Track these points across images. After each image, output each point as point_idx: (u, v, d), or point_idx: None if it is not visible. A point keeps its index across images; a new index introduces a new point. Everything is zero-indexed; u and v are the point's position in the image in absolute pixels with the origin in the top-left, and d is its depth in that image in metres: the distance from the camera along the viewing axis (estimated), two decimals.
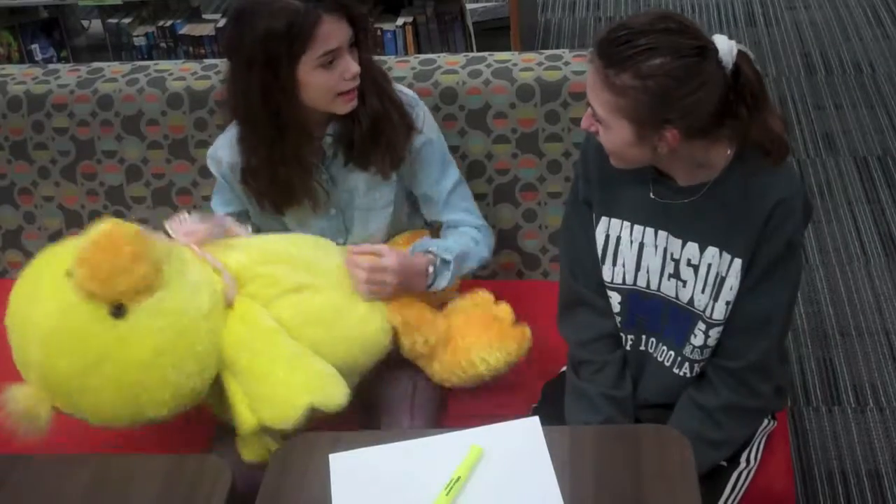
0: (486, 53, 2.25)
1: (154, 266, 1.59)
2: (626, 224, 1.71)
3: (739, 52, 1.51)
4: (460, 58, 2.23)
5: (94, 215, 2.37)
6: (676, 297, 1.70)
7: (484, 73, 2.17)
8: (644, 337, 1.77)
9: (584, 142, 1.78)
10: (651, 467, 1.47)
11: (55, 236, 2.41)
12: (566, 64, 2.17)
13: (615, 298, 1.76)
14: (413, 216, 2.07)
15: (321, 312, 1.79)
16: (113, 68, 2.36)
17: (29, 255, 2.43)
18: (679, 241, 1.67)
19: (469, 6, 3.90)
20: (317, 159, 1.90)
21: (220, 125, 2.24)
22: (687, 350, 1.71)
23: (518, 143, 2.19)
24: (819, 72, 4.13)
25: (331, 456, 1.53)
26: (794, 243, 1.61)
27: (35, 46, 4.25)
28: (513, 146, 2.20)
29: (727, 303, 1.64)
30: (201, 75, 2.27)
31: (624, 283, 1.74)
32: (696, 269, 1.66)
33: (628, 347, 1.79)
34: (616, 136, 1.54)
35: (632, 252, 1.71)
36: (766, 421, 1.80)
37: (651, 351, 1.78)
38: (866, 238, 3.18)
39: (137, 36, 4.11)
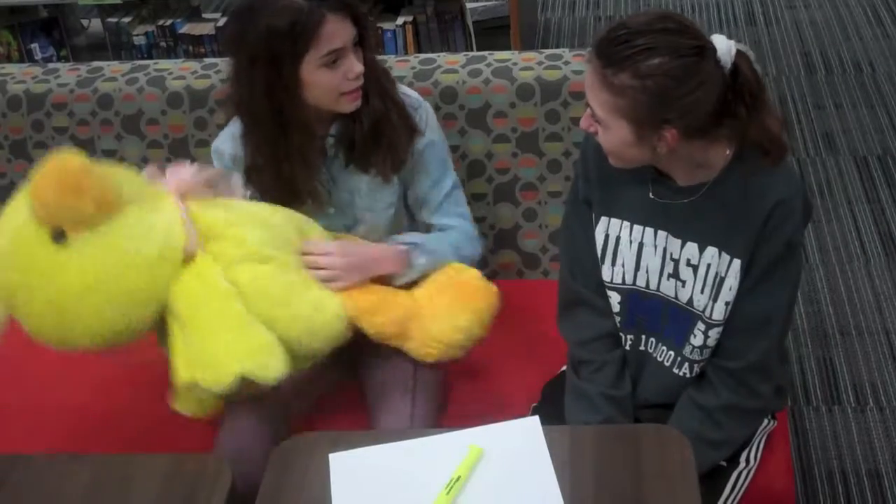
0: (486, 53, 2.25)
1: (98, 201, 1.59)
2: (626, 224, 1.71)
3: (738, 51, 1.51)
4: (460, 57, 2.23)
5: None
6: (676, 297, 1.70)
7: (484, 72, 2.17)
8: (644, 337, 1.77)
9: (583, 141, 1.78)
10: (651, 467, 1.47)
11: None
12: (566, 63, 2.17)
13: (615, 298, 1.76)
14: (407, 218, 2.05)
15: (277, 288, 1.75)
16: (113, 67, 2.36)
17: None
18: (678, 241, 1.67)
19: (469, 5, 3.90)
20: (319, 158, 1.90)
21: (220, 124, 2.23)
22: (686, 350, 1.71)
23: (518, 143, 2.19)
24: (819, 71, 4.13)
25: (331, 455, 1.53)
26: (793, 243, 1.61)
27: (35, 45, 4.25)
28: (513, 145, 2.20)
29: (726, 303, 1.64)
30: (201, 74, 2.27)
31: (623, 282, 1.74)
32: (695, 269, 1.66)
33: (628, 347, 1.79)
34: (615, 136, 1.54)
35: (631, 252, 1.71)
36: (766, 421, 1.80)
37: (651, 351, 1.78)
38: (866, 237, 3.18)
39: (137, 35, 4.11)
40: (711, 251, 1.64)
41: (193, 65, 2.32)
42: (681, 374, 1.74)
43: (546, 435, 1.53)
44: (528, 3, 4.29)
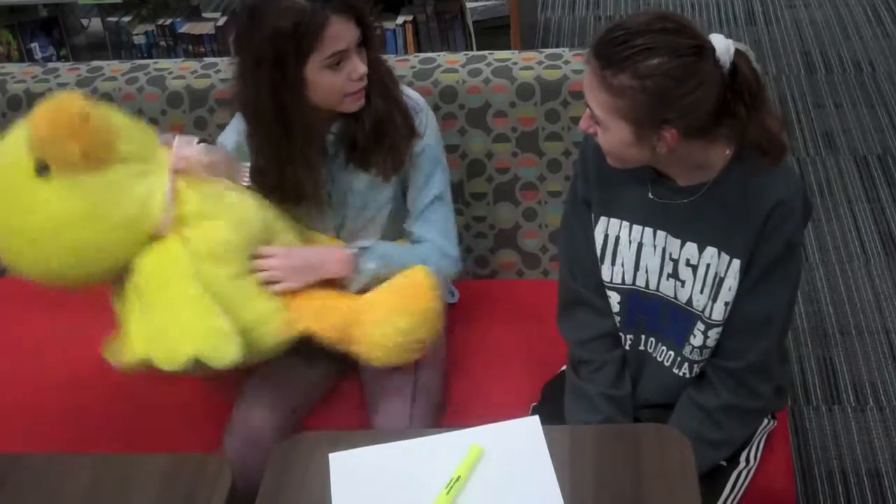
0: (486, 52, 2.25)
1: (85, 150, 1.62)
2: (625, 224, 1.71)
3: (737, 50, 1.51)
4: (460, 56, 2.23)
5: None
6: (675, 297, 1.70)
7: (484, 71, 2.17)
8: (644, 337, 1.77)
9: (582, 141, 1.78)
10: (651, 467, 1.47)
11: None
12: (566, 63, 2.16)
13: (614, 298, 1.76)
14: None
15: (225, 294, 1.76)
16: (112, 67, 2.36)
17: None
18: (678, 241, 1.67)
19: (469, 5, 3.89)
20: (321, 158, 1.90)
21: (221, 124, 2.24)
22: (686, 350, 1.71)
23: (518, 142, 2.19)
24: (819, 70, 4.13)
25: (331, 455, 1.53)
26: (793, 243, 1.61)
27: (35, 45, 4.25)
28: (513, 145, 2.19)
29: (726, 303, 1.64)
30: (201, 74, 2.27)
31: (623, 282, 1.74)
32: (694, 269, 1.66)
33: (627, 347, 1.79)
34: (614, 136, 1.54)
35: (631, 252, 1.71)
36: (765, 420, 1.80)
37: (650, 351, 1.78)
38: (866, 237, 3.17)
39: (137, 34, 4.10)
40: (711, 251, 1.64)
41: (193, 64, 2.32)
42: (680, 374, 1.74)
43: (546, 435, 1.53)
44: (528, 3, 4.29)
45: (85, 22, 4.53)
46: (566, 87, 2.13)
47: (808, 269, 3.05)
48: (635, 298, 1.74)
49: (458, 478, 1.46)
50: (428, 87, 2.16)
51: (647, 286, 1.72)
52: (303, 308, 1.82)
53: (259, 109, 1.83)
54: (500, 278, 2.33)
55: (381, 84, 1.87)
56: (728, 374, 1.68)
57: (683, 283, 1.68)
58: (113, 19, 4.15)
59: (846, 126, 3.74)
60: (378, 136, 1.87)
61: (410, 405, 1.90)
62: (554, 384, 1.92)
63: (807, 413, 2.58)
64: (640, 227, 1.70)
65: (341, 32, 1.76)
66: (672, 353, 1.74)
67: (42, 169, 1.63)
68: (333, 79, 1.79)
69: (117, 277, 1.75)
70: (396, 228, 2.02)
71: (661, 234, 1.68)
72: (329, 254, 1.90)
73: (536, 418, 1.57)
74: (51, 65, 2.42)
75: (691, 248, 1.66)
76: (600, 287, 1.77)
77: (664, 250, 1.69)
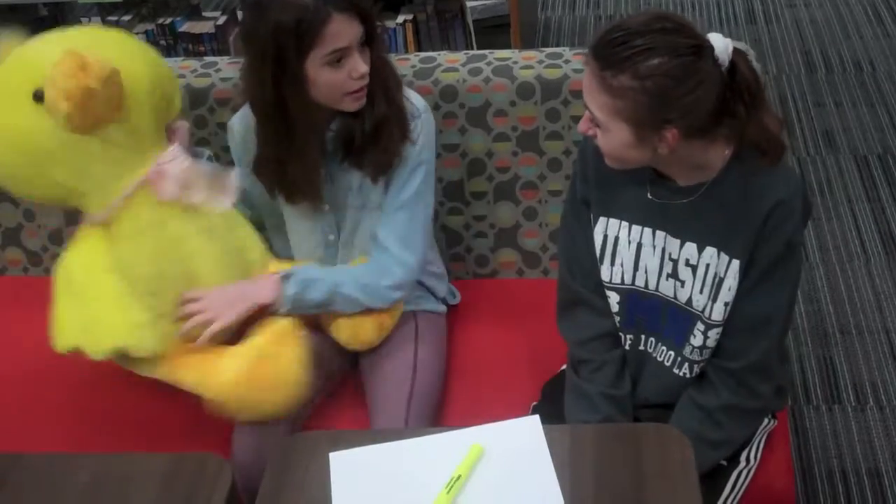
0: (486, 51, 2.25)
1: (73, 116, 1.68)
2: (625, 224, 1.71)
3: (735, 49, 1.51)
4: (461, 55, 2.23)
5: None
6: (675, 297, 1.70)
7: (484, 70, 2.17)
8: (643, 337, 1.77)
9: (581, 142, 1.78)
10: (651, 466, 1.47)
11: (55, 234, 2.41)
12: (566, 62, 2.16)
13: (614, 298, 1.76)
14: None
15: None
16: None
17: (28, 252, 2.44)
18: (677, 242, 1.67)
19: (469, 4, 3.89)
20: (320, 155, 1.90)
21: (221, 123, 2.24)
22: (686, 350, 1.71)
23: (518, 141, 2.19)
24: (819, 70, 4.13)
25: (331, 455, 1.53)
26: (793, 243, 1.61)
27: None
28: (513, 144, 2.19)
29: (725, 304, 1.63)
30: (201, 73, 2.27)
31: (622, 282, 1.74)
32: (694, 269, 1.66)
33: (627, 347, 1.79)
34: (615, 138, 1.54)
35: (630, 252, 1.71)
36: (766, 420, 1.80)
37: (650, 351, 1.77)
38: (866, 236, 3.17)
39: (137, 33, 4.10)
40: (710, 251, 1.64)
41: (193, 63, 2.31)
42: (681, 374, 1.73)
43: (546, 434, 1.53)
44: (529, 2, 4.29)
45: (85, 21, 4.52)
46: (566, 87, 2.13)
47: (809, 268, 3.05)
48: (635, 298, 1.74)
49: (459, 477, 1.46)
50: (428, 87, 2.15)
51: (646, 286, 1.72)
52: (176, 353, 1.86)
53: (262, 104, 1.84)
54: (501, 277, 2.33)
55: (383, 85, 1.86)
56: (728, 375, 1.68)
57: (683, 283, 1.68)
58: (113, 18, 4.15)
59: (846, 125, 3.74)
60: (375, 137, 1.86)
61: (409, 404, 1.90)
62: (554, 383, 1.92)
63: (807, 412, 2.58)
64: (640, 228, 1.70)
65: (343, 30, 1.75)
66: (672, 353, 1.74)
67: (38, 97, 1.70)
68: (334, 76, 1.78)
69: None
70: None
71: (660, 234, 1.68)
72: (258, 280, 1.90)
73: (537, 418, 1.57)
74: None
75: (691, 248, 1.65)
76: (599, 287, 1.77)
77: (663, 250, 1.69)
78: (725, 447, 1.72)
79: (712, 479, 1.70)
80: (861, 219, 3.25)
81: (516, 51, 2.25)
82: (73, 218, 2.41)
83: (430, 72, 2.18)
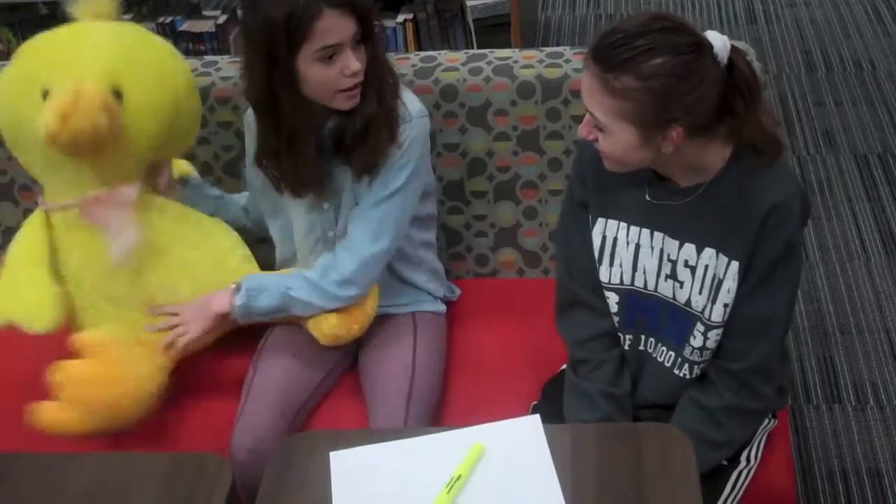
0: (486, 51, 2.25)
1: (64, 144, 1.83)
2: (623, 225, 1.71)
3: (733, 46, 1.51)
4: (461, 55, 2.23)
5: None
6: (674, 298, 1.70)
7: (485, 70, 2.17)
8: (643, 337, 1.77)
9: (579, 144, 1.77)
10: (652, 466, 1.47)
11: None
12: (567, 61, 2.16)
13: (613, 299, 1.76)
14: (409, 227, 2.00)
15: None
16: None
17: None
18: (676, 243, 1.67)
19: (469, 3, 3.88)
20: (316, 151, 1.89)
21: (221, 122, 2.24)
22: (686, 351, 1.71)
23: (519, 141, 2.19)
24: (819, 69, 4.13)
25: (331, 454, 1.53)
26: (792, 244, 1.61)
27: None
28: (513, 143, 2.19)
29: (725, 305, 1.63)
30: (201, 72, 2.27)
31: (621, 283, 1.74)
32: (693, 270, 1.66)
33: (627, 347, 1.79)
34: (618, 140, 1.53)
35: (628, 253, 1.71)
36: (766, 419, 1.80)
37: (650, 351, 1.77)
38: (867, 235, 3.17)
39: None
40: (709, 252, 1.63)
41: (193, 62, 2.31)
42: (681, 374, 1.73)
43: (547, 434, 1.53)
44: (529, 1, 4.29)
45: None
46: (567, 86, 2.13)
47: (809, 267, 3.05)
48: (634, 299, 1.74)
49: (459, 477, 1.46)
50: (429, 86, 2.15)
51: (645, 287, 1.72)
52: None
53: (255, 98, 1.85)
54: (501, 277, 2.33)
55: (378, 85, 1.85)
56: (730, 376, 1.68)
57: (682, 283, 1.68)
58: None
59: (846, 124, 3.74)
60: (363, 136, 1.85)
61: (407, 404, 1.90)
62: (554, 383, 1.92)
63: (807, 412, 2.58)
64: (638, 229, 1.70)
65: (334, 26, 1.75)
66: (672, 353, 1.74)
67: (45, 95, 1.87)
68: (325, 73, 1.78)
69: None
70: None
71: (658, 235, 1.68)
72: (217, 292, 1.95)
73: (537, 417, 1.57)
74: None
75: (689, 249, 1.65)
76: (597, 288, 1.77)
77: (662, 251, 1.68)
78: (726, 448, 1.72)
79: (713, 479, 1.70)
80: (861, 218, 3.25)
81: (517, 50, 2.25)
82: None
83: (430, 71, 2.18)
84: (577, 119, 2.13)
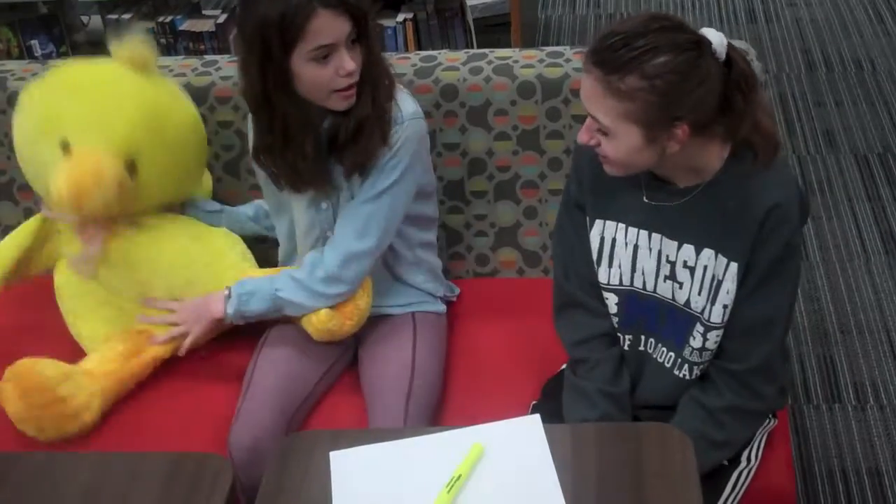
0: (486, 50, 2.25)
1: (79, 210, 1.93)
2: (621, 226, 1.71)
3: (729, 43, 1.52)
4: (461, 54, 2.23)
5: None
6: (673, 299, 1.70)
7: (485, 69, 2.17)
8: (643, 337, 1.77)
9: (576, 147, 1.77)
10: (652, 466, 1.47)
11: None
12: (567, 61, 2.16)
13: (612, 300, 1.76)
14: (406, 225, 2.01)
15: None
16: None
17: None
18: (674, 244, 1.67)
19: (469, 2, 3.88)
20: (314, 150, 1.89)
21: (221, 121, 2.24)
22: (686, 352, 1.71)
23: (519, 140, 2.19)
24: (819, 68, 4.13)
25: (331, 454, 1.53)
26: (792, 245, 1.61)
27: (35, 42, 4.24)
28: (514, 143, 2.19)
29: (724, 306, 1.63)
30: (201, 71, 2.27)
31: (621, 284, 1.74)
32: (692, 270, 1.66)
33: (627, 348, 1.79)
34: (623, 143, 1.53)
35: (627, 254, 1.71)
36: (767, 419, 1.80)
37: (650, 351, 1.77)
38: (867, 235, 3.17)
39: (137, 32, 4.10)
40: (708, 253, 1.63)
41: (194, 61, 2.31)
42: (681, 375, 1.73)
43: (547, 433, 1.53)
44: (529, 1, 4.28)
45: (85, 19, 4.52)
46: (567, 86, 2.13)
47: (809, 267, 3.05)
48: (633, 299, 1.74)
49: (459, 476, 1.46)
50: (429, 85, 2.15)
51: (644, 287, 1.72)
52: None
53: (251, 96, 1.85)
54: (501, 277, 2.33)
55: (373, 85, 1.85)
56: (731, 376, 1.68)
57: (681, 284, 1.68)
58: (113, 16, 4.14)
59: (847, 124, 3.74)
60: (357, 137, 1.85)
61: (406, 404, 1.90)
62: (555, 382, 1.92)
63: (807, 412, 2.58)
64: (636, 230, 1.70)
65: (328, 26, 1.74)
66: (672, 354, 1.74)
67: (64, 147, 1.93)
68: (319, 72, 1.78)
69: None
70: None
71: (656, 236, 1.68)
72: (213, 296, 1.97)
73: (538, 417, 1.57)
74: (51, 62, 2.40)
75: (688, 249, 1.65)
76: (595, 289, 1.77)
77: (660, 252, 1.68)
78: (728, 448, 1.72)
79: (713, 479, 1.70)
80: (861, 218, 3.25)
81: (517, 50, 2.25)
82: None
83: (430, 71, 2.17)
84: (578, 118, 2.13)
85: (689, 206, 1.63)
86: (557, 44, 4.44)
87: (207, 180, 2.28)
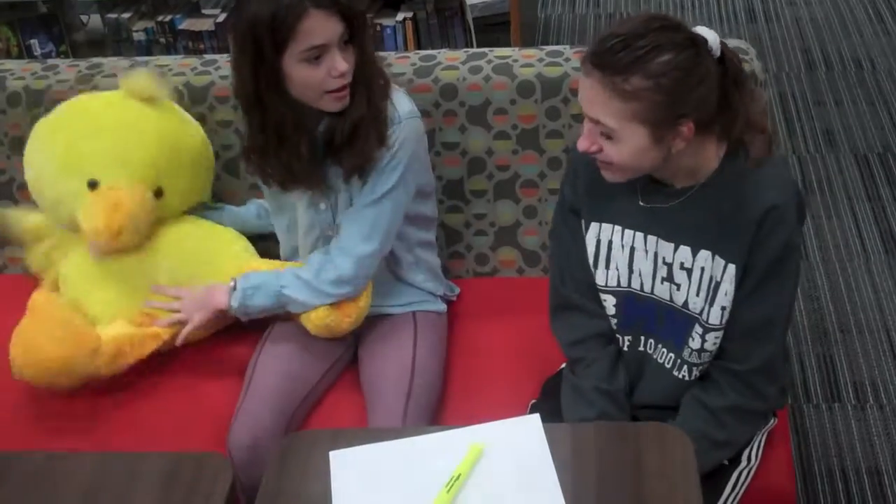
0: (486, 49, 2.24)
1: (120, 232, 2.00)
2: (617, 228, 1.71)
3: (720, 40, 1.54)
4: (461, 54, 2.23)
5: None
6: (671, 300, 1.70)
7: (484, 69, 2.17)
8: (643, 338, 1.77)
9: (572, 151, 1.78)
10: (652, 465, 1.46)
11: None
12: (566, 60, 2.16)
13: (610, 301, 1.76)
14: (405, 225, 2.01)
15: None
16: (112, 64, 2.35)
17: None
18: (670, 246, 1.67)
19: (469, 1, 3.88)
20: (309, 150, 1.89)
21: (220, 121, 2.24)
22: (686, 353, 1.71)
23: (518, 140, 2.19)
24: (819, 68, 4.12)
25: (331, 453, 1.53)
26: (791, 245, 1.61)
27: (34, 41, 4.23)
28: (513, 142, 2.19)
29: (723, 308, 1.63)
30: (201, 70, 2.27)
31: (618, 285, 1.74)
32: (689, 272, 1.66)
33: (627, 348, 1.79)
34: (629, 144, 1.53)
35: (624, 255, 1.71)
36: (767, 419, 1.80)
37: (650, 352, 1.77)
38: (866, 235, 3.17)
39: (137, 31, 4.09)
40: (705, 254, 1.63)
41: (193, 61, 2.31)
42: (680, 376, 1.73)
43: (547, 433, 1.53)
44: (529, 0, 4.28)
45: (84, 18, 4.52)
46: (567, 85, 2.13)
47: (809, 266, 3.05)
48: (631, 301, 1.74)
49: (459, 476, 1.46)
50: (428, 85, 2.15)
51: (641, 289, 1.72)
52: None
53: (243, 96, 1.86)
54: (501, 276, 2.33)
55: (367, 86, 1.84)
56: (734, 376, 1.68)
57: (679, 286, 1.68)
58: (113, 16, 4.14)
59: (846, 123, 3.74)
60: (352, 138, 1.85)
61: (406, 404, 1.90)
62: (554, 381, 1.92)
63: (807, 411, 2.58)
64: (632, 232, 1.70)
65: (319, 27, 1.74)
66: (672, 355, 1.74)
67: (91, 185, 2.03)
68: (311, 73, 1.77)
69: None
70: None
71: (651, 238, 1.68)
72: (218, 287, 1.98)
73: (537, 416, 1.57)
74: (50, 61, 2.41)
75: (685, 251, 1.65)
76: (591, 291, 1.77)
77: (656, 254, 1.69)
78: (729, 448, 1.72)
79: (713, 479, 1.70)
80: (861, 217, 3.25)
81: (516, 49, 2.25)
82: None
83: (430, 70, 2.17)
84: (577, 118, 2.13)
85: (684, 207, 1.63)
86: (557, 43, 4.44)
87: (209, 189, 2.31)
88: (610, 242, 1.72)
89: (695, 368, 1.72)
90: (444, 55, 2.22)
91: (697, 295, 1.66)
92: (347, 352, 2.07)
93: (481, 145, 2.20)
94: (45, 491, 1.54)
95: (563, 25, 4.67)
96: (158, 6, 4.16)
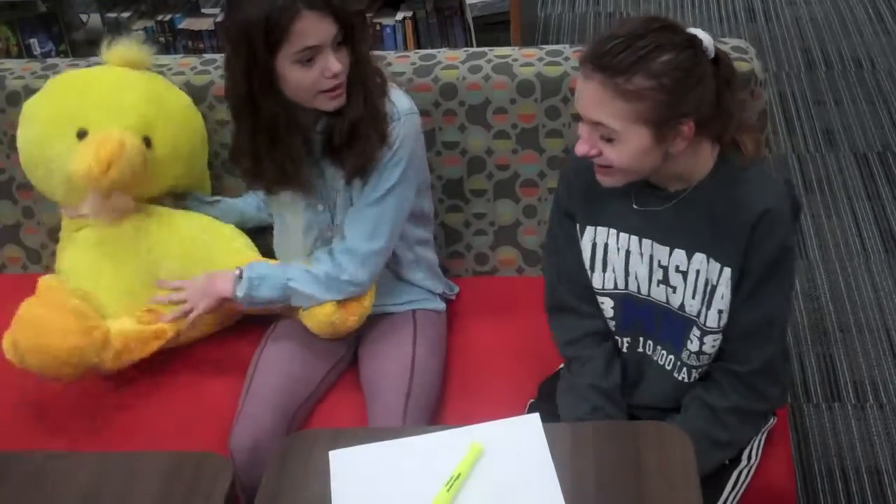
0: (486, 49, 2.24)
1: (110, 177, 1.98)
2: (613, 232, 1.71)
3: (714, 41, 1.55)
4: (460, 53, 2.23)
5: None
6: (668, 303, 1.70)
7: (484, 68, 2.17)
8: (642, 339, 1.77)
9: (569, 155, 1.78)
10: (651, 465, 1.46)
11: (54, 232, 2.40)
12: (566, 59, 2.16)
13: (608, 304, 1.76)
14: (405, 225, 2.01)
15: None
16: None
17: (27, 250, 2.43)
18: (666, 249, 1.67)
19: (469, 1, 3.88)
20: (303, 151, 1.89)
21: (219, 120, 2.23)
22: (685, 355, 1.71)
23: (518, 139, 2.19)
24: (819, 67, 4.12)
25: (331, 453, 1.53)
26: (786, 246, 1.61)
27: (34, 41, 4.23)
28: (513, 142, 2.19)
29: (720, 311, 1.63)
30: (200, 70, 2.27)
31: (616, 288, 1.74)
32: (684, 275, 1.66)
33: (626, 350, 1.79)
34: (631, 146, 1.53)
35: (619, 258, 1.72)
36: (768, 419, 1.80)
37: (650, 353, 1.77)
38: (866, 234, 3.17)
39: (136, 30, 4.09)
40: (699, 257, 1.64)
41: (192, 60, 2.31)
42: (680, 378, 1.73)
43: (546, 432, 1.53)
44: None
45: (84, 17, 4.52)
46: (566, 84, 2.13)
47: (808, 266, 3.05)
48: (629, 302, 1.74)
49: (459, 475, 1.46)
50: (428, 84, 2.15)
51: (638, 291, 1.73)
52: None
53: (235, 97, 1.86)
54: (500, 275, 2.33)
55: (363, 86, 1.84)
56: (735, 377, 1.68)
57: (675, 289, 1.68)
58: (112, 15, 4.14)
59: (846, 123, 3.74)
60: (351, 138, 1.85)
61: (406, 402, 1.90)
62: (552, 381, 1.92)
63: (807, 410, 2.58)
64: (627, 236, 1.70)
65: (313, 28, 1.74)
66: (672, 356, 1.74)
67: (80, 135, 2.03)
68: (304, 74, 1.77)
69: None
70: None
71: (646, 242, 1.68)
72: (221, 275, 1.97)
73: (537, 416, 1.57)
74: (50, 60, 2.41)
75: (679, 254, 1.66)
76: (587, 293, 1.77)
77: (651, 258, 1.69)
78: (730, 448, 1.72)
79: (713, 478, 1.70)
80: (861, 216, 3.25)
81: (516, 48, 2.24)
82: None
83: (429, 69, 2.17)
84: (577, 117, 2.12)
85: (678, 210, 1.63)
86: (557, 42, 4.44)
87: (206, 181, 2.29)
88: (606, 246, 1.72)
89: (694, 370, 1.72)
90: (444, 54, 2.22)
91: (693, 297, 1.66)
92: (349, 352, 2.07)
93: (481, 145, 2.20)
94: (45, 491, 1.54)
95: (563, 25, 4.67)
96: (158, 5, 4.16)
